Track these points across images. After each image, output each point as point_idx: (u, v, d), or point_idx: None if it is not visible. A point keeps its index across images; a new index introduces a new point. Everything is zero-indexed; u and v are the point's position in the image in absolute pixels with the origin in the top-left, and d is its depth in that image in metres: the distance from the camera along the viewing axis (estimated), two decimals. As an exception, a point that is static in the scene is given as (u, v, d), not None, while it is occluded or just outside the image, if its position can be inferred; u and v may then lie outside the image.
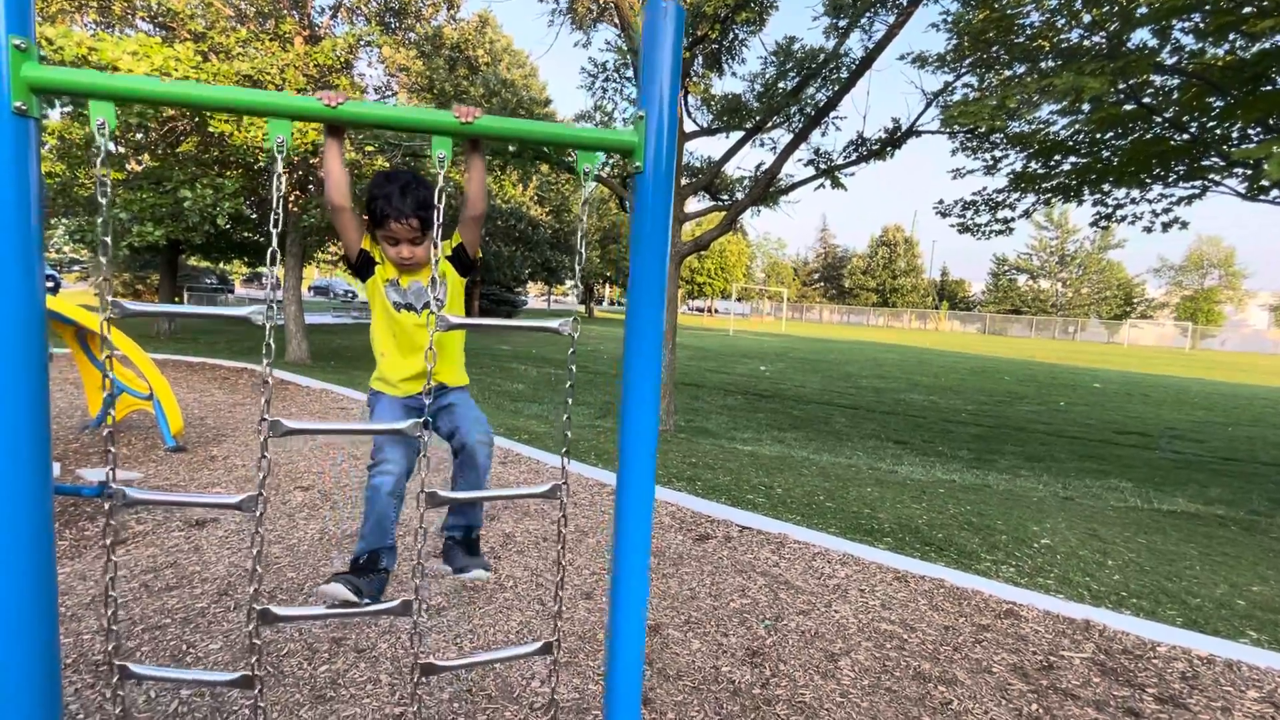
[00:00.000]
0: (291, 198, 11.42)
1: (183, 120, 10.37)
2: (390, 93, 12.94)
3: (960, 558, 3.93)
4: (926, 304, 62.62)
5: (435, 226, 1.41)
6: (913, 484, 5.86)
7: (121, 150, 11.07)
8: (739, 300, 57.90)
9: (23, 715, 1.31)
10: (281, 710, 2.24)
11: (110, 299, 1.28)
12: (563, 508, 1.54)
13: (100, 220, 1.24)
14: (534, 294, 53.86)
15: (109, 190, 1.25)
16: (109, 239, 1.26)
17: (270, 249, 1.36)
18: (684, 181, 7.71)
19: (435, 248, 1.40)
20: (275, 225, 1.35)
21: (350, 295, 42.19)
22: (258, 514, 1.37)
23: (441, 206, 1.40)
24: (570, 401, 1.53)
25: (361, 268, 1.89)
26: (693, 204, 8.72)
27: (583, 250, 1.54)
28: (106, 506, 1.32)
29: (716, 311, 60.46)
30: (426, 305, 1.87)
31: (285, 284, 12.07)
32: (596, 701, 2.37)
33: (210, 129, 9.22)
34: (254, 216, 13.97)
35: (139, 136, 10.58)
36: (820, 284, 68.61)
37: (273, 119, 1.30)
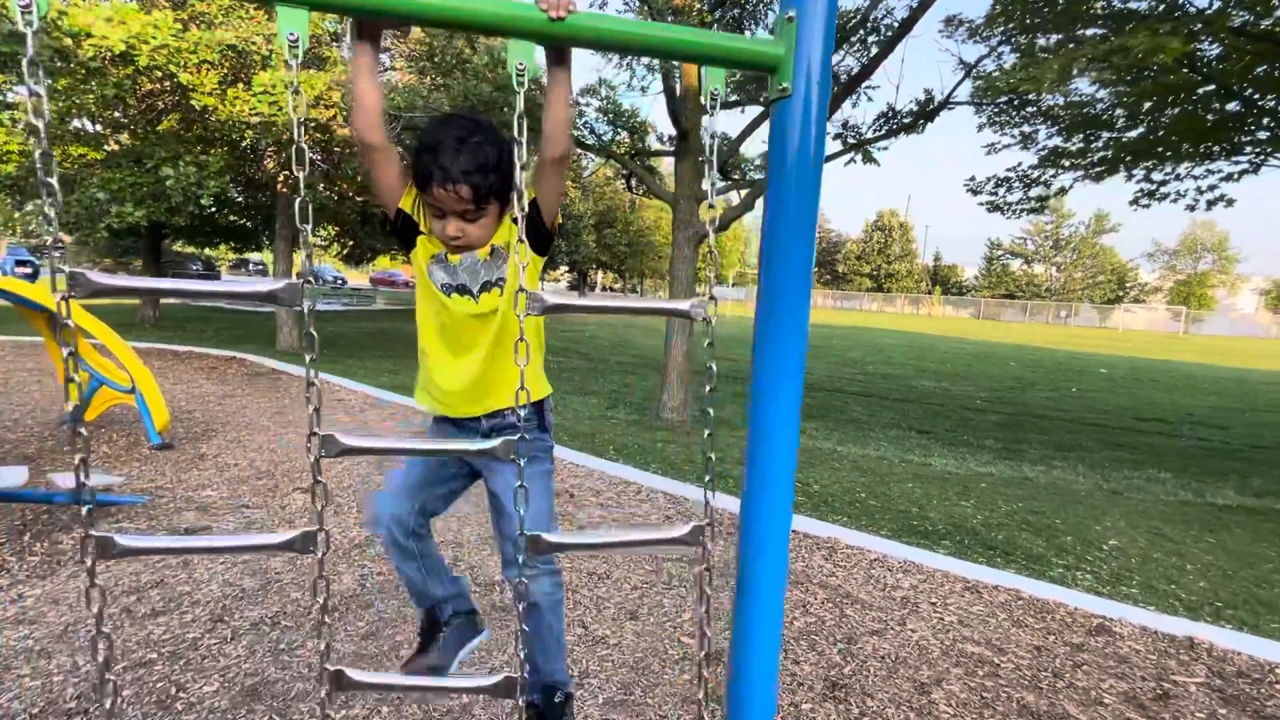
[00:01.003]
0: (281, 177, 10.88)
1: (164, 96, 9.81)
2: (384, 68, 12.36)
3: (1029, 563, 3.60)
4: (920, 289, 62.48)
5: (516, 176, 1.01)
6: (952, 478, 5.53)
7: (99, 129, 10.49)
8: (734, 285, 57.51)
9: None
10: (292, 772, 1.86)
11: (68, 270, 0.88)
12: (707, 555, 1.14)
13: (39, 153, 0.84)
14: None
15: (44, 99, 0.84)
16: (54, 180, 0.85)
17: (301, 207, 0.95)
18: (699, 159, 7.28)
19: (519, 197, 1.01)
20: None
21: (340, 281, 41.39)
22: (319, 557, 0.98)
23: (523, 146, 1.00)
24: (711, 412, 1.13)
25: (404, 233, 1.40)
26: (705, 184, 8.29)
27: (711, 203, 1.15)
28: (89, 563, 0.93)
29: (712, 298, 59.99)
30: (488, 285, 1.37)
31: (275, 270, 11.58)
32: (663, 751, 2.02)
33: (193, 103, 8.67)
34: (240, 199, 13.41)
35: (116, 114, 10.01)
36: (815, 269, 68.35)
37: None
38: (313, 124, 8.99)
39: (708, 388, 1.11)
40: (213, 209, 13.28)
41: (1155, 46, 3.68)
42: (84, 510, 0.99)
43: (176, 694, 2.17)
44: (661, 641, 2.61)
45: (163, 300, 18.59)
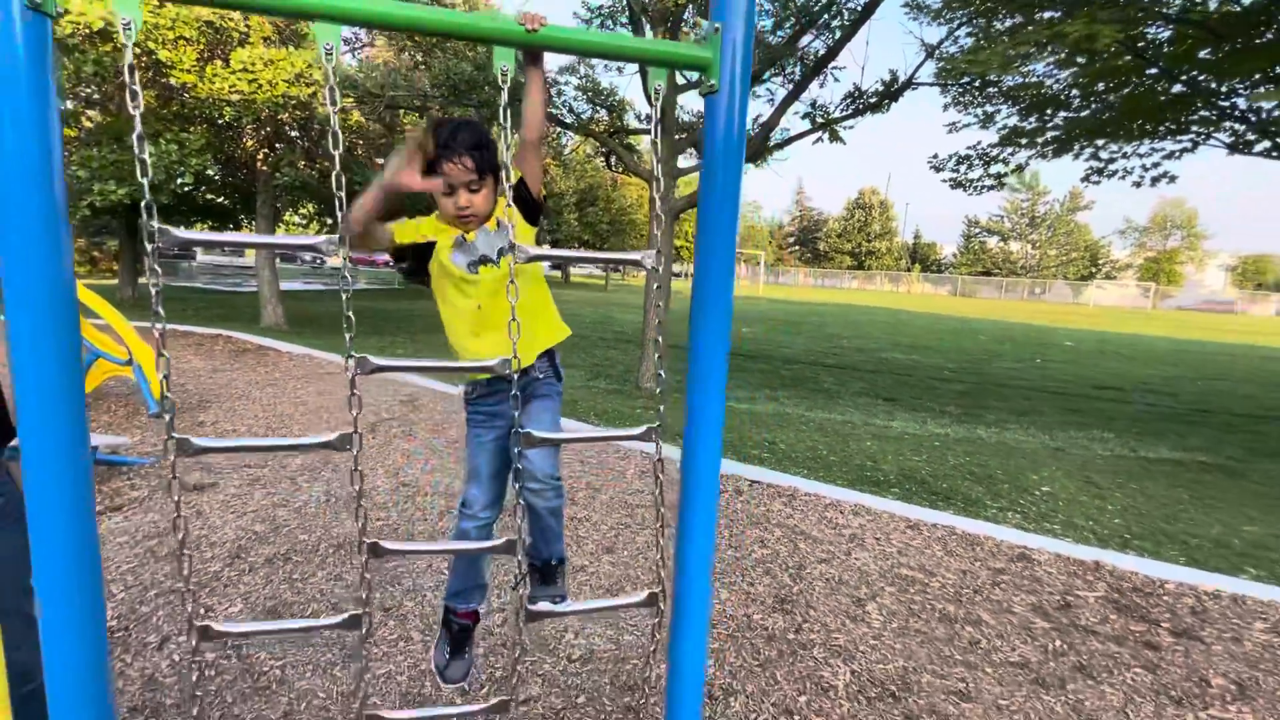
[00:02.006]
0: (260, 155, 10.91)
1: (140, 72, 9.76)
2: (361, 44, 12.34)
3: (967, 506, 3.99)
4: (900, 267, 63.21)
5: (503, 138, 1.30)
6: (909, 438, 5.94)
7: (71, 106, 10.41)
8: (716, 264, 57.54)
9: (74, 680, 1.24)
10: (314, 669, 2.18)
11: (156, 225, 1.15)
12: (658, 450, 1.45)
13: (135, 135, 1.11)
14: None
15: (139, 98, 1.11)
16: (146, 156, 1.13)
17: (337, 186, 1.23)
18: (676, 137, 7.51)
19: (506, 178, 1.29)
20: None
21: (320, 261, 40.97)
22: (355, 452, 1.28)
23: (507, 133, 1.28)
24: (661, 339, 1.43)
25: (416, 258, 1.68)
26: (682, 161, 8.52)
27: (659, 181, 1.43)
28: (171, 458, 1.21)
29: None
30: (504, 251, 1.63)
31: (255, 250, 11.63)
32: (633, 651, 2.36)
33: (171, 80, 8.68)
34: (218, 178, 13.36)
35: (89, 90, 9.95)
36: (796, 247, 68.69)
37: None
38: (293, 101, 9.05)
39: (657, 321, 1.41)
40: (190, 187, 13.24)
41: (1090, 33, 4.00)
42: (166, 417, 1.28)
43: (206, 614, 2.46)
44: (634, 570, 2.95)
45: (140, 280, 18.47)
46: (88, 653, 1.21)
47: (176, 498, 1.26)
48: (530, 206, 1.64)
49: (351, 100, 8.47)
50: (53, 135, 1.09)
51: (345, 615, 1.39)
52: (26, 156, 1.06)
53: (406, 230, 1.67)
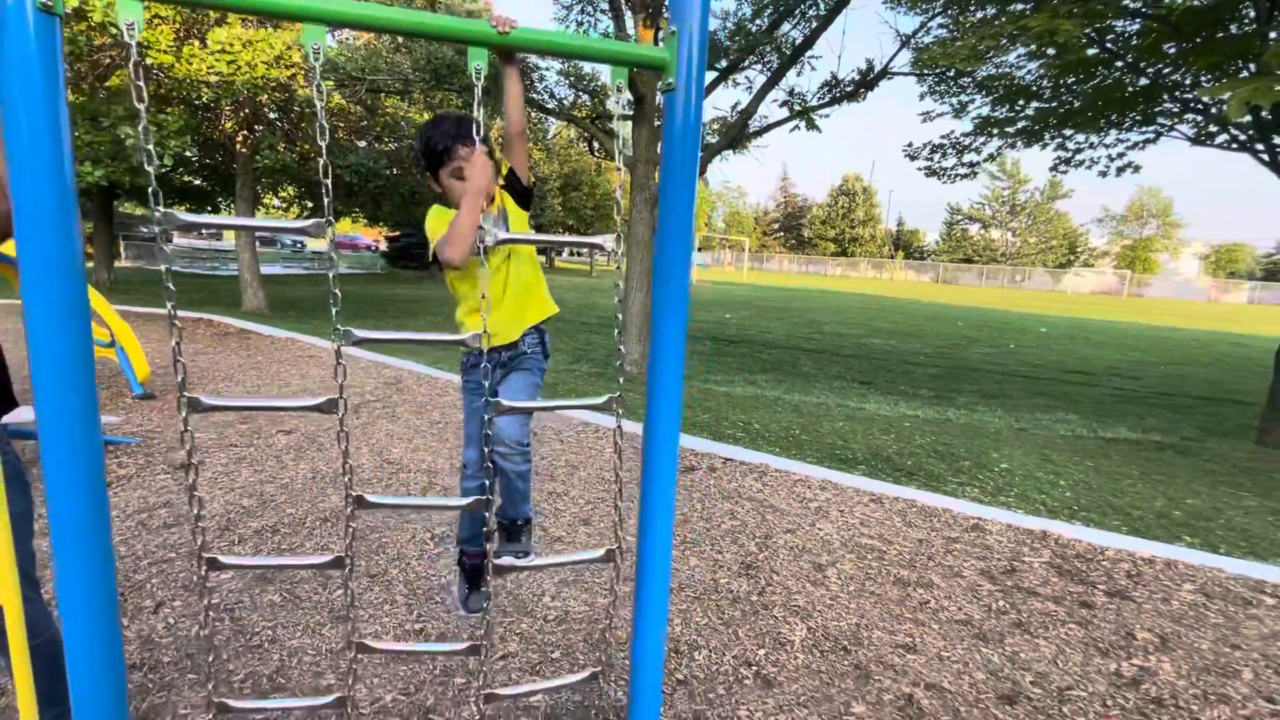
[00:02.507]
0: (239, 138, 10.81)
1: (113, 51, 9.62)
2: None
3: (929, 481, 4.19)
4: (883, 254, 63.72)
5: (479, 123, 1.42)
6: (880, 419, 6.14)
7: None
8: (700, 250, 57.81)
9: (88, 627, 1.36)
10: (304, 630, 2.31)
11: (160, 210, 1.26)
12: (618, 418, 1.60)
13: (140, 128, 1.21)
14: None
15: (145, 96, 1.21)
16: (150, 146, 1.24)
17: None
18: (655, 124, 7.59)
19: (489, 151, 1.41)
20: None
21: (299, 245, 40.45)
22: (339, 415, 1.41)
23: (483, 119, 1.40)
24: (619, 332, 1.57)
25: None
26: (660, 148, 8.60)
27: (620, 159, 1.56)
28: (183, 414, 1.34)
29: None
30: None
31: (238, 231, 11.56)
32: (602, 612, 2.51)
33: (148, 60, 8.57)
34: (196, 160, 13.19)
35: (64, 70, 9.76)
36: (780, 234, 68.90)
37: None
38: (272, 84, 8.99)
39: (616, 298, 1.55)
40: (168, 169, 13.06)
41: (1051, 28, 4.15)
42: (178, 378, 1.40)
43: (197, 583, 2.58)
44: (609, 540, 3.11)
45: (116, 263, 18.20)
46: (103, 603, 1.34)
47: (188, 447, 1.39)
48: (522, 193, 1.83)
49: (332, 84, 8.44)
50: (62, 127, 1.20)
51: (331, 556, 1.53)
52: (39, 146, 1.17)
53: (435, 217, 1.83)
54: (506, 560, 1.86)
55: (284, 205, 19.60)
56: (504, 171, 1.83)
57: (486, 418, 1.60)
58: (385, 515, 3.18)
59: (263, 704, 1.64)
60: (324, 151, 1.39)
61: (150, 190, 1.29)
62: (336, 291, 1.50)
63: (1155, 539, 3.48)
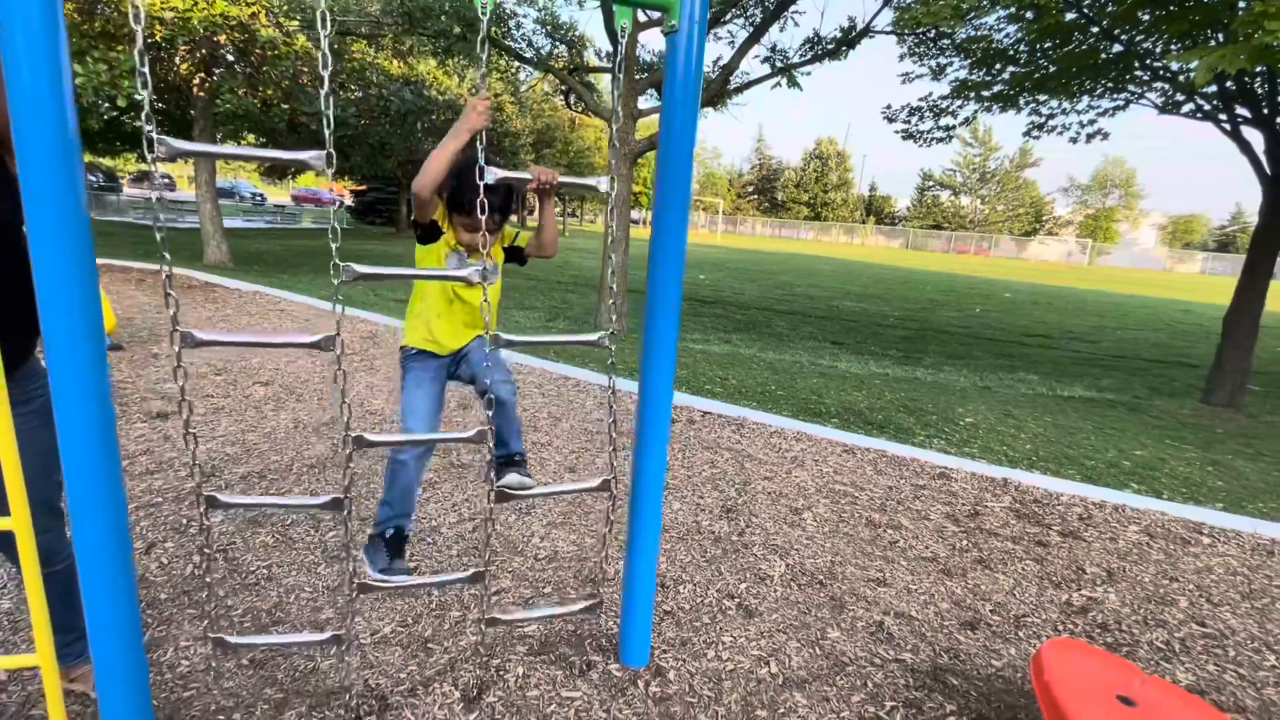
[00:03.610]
0: (196, 80, 10.27)
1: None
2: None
3: (898, 433, 4.37)
4: (855, 218, 64.06)
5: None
6: (852, 376, 6.32)
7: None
8: (674, 211, 57.08)
9: (101, 550, 1.39)
10: (299, 568, 2.36)
11: (155, 134, 1.25)
12: (612, 354, 1.66)
13: (136, 50, 1.19)
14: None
15: (141, 17, 1.19)
16: (146, 69, 1.21)
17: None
18: (636, 77, 7.46)
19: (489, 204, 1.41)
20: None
21: (260, 198, 38.94)
22: (337, 353, 1.43)
23: (486, 57, 1.40)
24: (611, 271, 1.61)
25: (427, 232, 1.97)
26: (642, 103, 8.47)
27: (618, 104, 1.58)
28: (176, 348, 1.34)
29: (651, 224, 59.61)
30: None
31: (198, 180, 11.10)
32: (590, 552, 2.61)
33: (95, -8, 8.04)
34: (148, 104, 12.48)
35: None
36: (754, 196, 68.61)
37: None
38: (233, 22, 8.54)
39: (610, 239, 1.58)
40: (118, 113, 12.37)
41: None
42: (171, 314, 1.40)
43: (187, 525, 2.60)
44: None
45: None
46: (117, 514, 1.37)
47: (181, 383, 1.40)
48: (518, 255, 2.12)
49: (298, 24, 8.05)
50: (64, 77, 1.17)
51: (329, 497, 1.57)
52: (40, 93, 1.15)
53: (440, 214, 2.00)
54: (515, 478, 1.94)
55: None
56: (511, 240, 2.10)
57: (488, 350, 1.73)
58: (372, 463, 3.21)
59: (259, 640, 1.70)
60: (325, 81, 1.38)
61: (144, 114, 1.27)
62: (336, 225, 1.51)
63: (1106, 486, 3.71)
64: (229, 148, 1.36)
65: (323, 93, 1.37)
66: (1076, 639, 2.21)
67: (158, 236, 1.36)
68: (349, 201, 28.80)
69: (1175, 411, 6.06)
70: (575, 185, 1.72)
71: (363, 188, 27.79)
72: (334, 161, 1.40)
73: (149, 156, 1.27)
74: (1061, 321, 13.97)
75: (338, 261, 1.44)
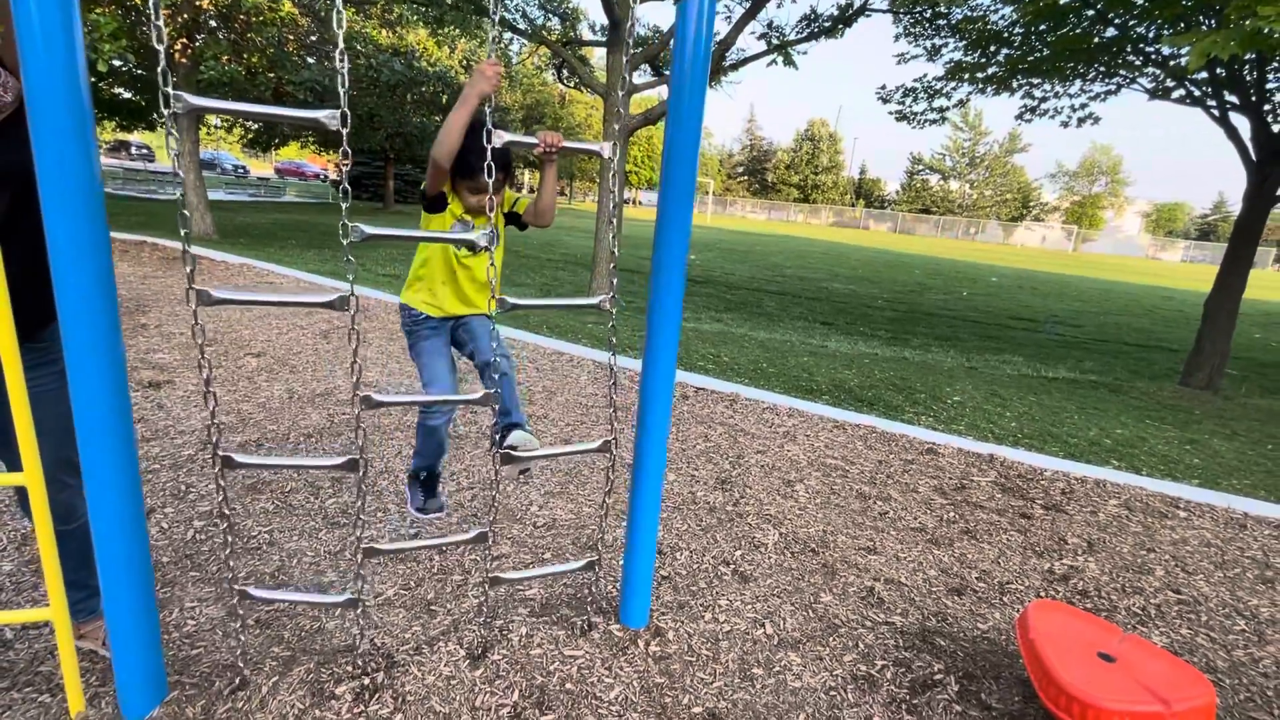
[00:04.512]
0: (178, 47, 10.01)
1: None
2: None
3: (887, 410, 4.44)
4: (845, 201, 64.04)
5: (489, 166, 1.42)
6: (841, 355, 6.39)
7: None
8: (664, 191, 56.70)
9: (113, 500, 1.41)
10: (300, 534, 2.38)
11: (172, 90, 1.24)
12: (612, 318, 1.68)
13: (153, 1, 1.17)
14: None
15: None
16: (160, 22, 1.20)
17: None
18: (631, 51, 7.38)
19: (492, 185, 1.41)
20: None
21: (243, 170, 38.15)
22: (351, 312, 1.45)
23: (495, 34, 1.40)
24: (614, 236, 1.64)
25: (435, 202, 2.01)
26: (636, 78, 8.39)
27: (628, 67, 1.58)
28: (193, 306, 1.35)
29: (641, 203, 59.35)
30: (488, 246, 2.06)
31: (182, 151, 10.86)
32: (588, 520, 2.65)
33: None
34: (127, 70, 12.17)
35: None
36: (745, 177, 68.29)
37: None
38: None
39: (611, 204, 1.61)
40: (95, 79, 12.02)
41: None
42: (187, 269, 1.40)
43: (186, 491, 2.61)
44: (589, 458, 3.24)
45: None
46: (130, 469, 1.38)
47: (200, 340, 1.41)
48: (517, 220, 2.16)
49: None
50: (77, 47, 1.16)
51: (345, 458, 1.60)
52: (55, 62, 1.14)
53: (448, 182, 2.04)
54: (520, 435, 1.96)
55: (226, 124, 18.41)
56: (512, 204, 2.12)
57: (493, 328, 1.96)
58: (371, 431, 3.22)
59: (281, 595, 1.72)
60: (340, 37, 1.37)
61: (160, 70, 1.26)
62: (346, 186, 1.51)
63: (1088, 462, 3.81)
64: (243, 104, 1.35)
65: (338, 49, 1.36)
66: (1060, 601, 2.30)
67: (177, 194, 1.35)
68: (334, 176, 28.29)
69: (1155, 393, 6.20)
70: (578, 149, 1.73)
71: (348, 162, 27.27)
72: (348, 121, 1.40)
73: (165, 111, 1.26)
74: (1046, 305, 14.16)
75: (346, 221, 1.45)
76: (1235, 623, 2.32)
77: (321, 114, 1.40)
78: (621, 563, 2.18)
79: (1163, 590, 2.50)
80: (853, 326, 8.99)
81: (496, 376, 1.96)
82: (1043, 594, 2.41)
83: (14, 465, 1.47)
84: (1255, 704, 1.90)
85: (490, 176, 1.62)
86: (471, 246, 2.06)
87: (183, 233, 1.38)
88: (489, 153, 1.61)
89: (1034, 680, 1.68)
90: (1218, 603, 2.44)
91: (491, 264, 1.73)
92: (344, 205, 1.47)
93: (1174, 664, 1.68)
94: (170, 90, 1.25)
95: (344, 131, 1.41)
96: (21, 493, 1.52)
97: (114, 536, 1.43)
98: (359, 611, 1.72)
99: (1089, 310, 14.04)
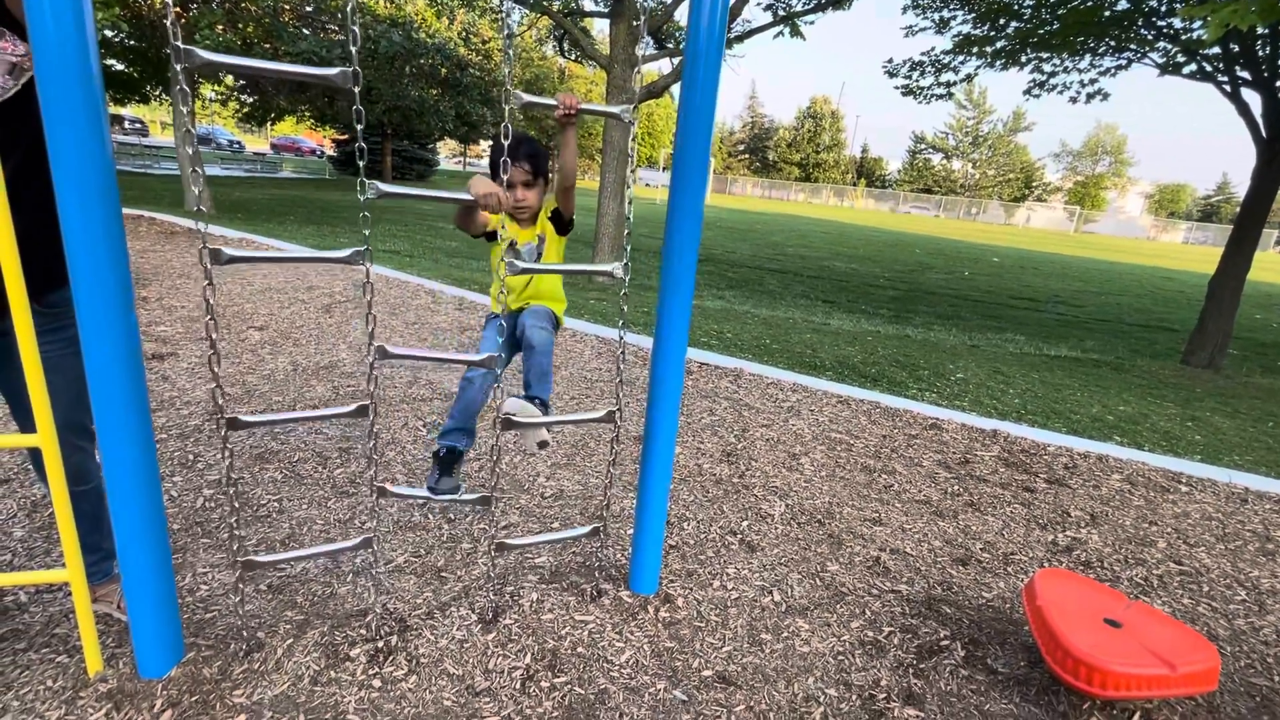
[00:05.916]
0: (171, 15, 9.82)
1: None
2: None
3: (891, 387, 4.45)
4: (846, 181, 63.50)
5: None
6: (845, 333, 6.38)
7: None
8: (665, 170, 56.44)
9: (128, 460, 1.41)
10: (309, 503, 2.39)
11: (181, 45, 1.21)
12: (623, 284, 1.67)
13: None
14: (445, 153, 49.69)
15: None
16: (167, -28, 1.17)
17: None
18: (634, 22, 7.24)
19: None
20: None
21: (238, 146, 37.72)
22: (366, 267, 1.44)
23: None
24: (629, 202, 1.61)
25: (490, 236, 2.09)
26: (637, 50, 8.24)
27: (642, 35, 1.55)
28: (206, 265, 1.34)
29: (641, 181, 58.83)
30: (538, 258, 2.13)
31: (175, 123, 10.73)
32: (594, 491, 2.66)
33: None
34: (119, 41, 11.95)
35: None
36: (746, 155, 67.60)
37: None
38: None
39: (629, 184, 1.59)
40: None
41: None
42: (201, 228, 1.39)
43: (194, 460, 2.61)
44: (595, 429, 3.24)
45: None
46: (144, 430, 1.38)
47: (210, 300, 1.40)
48: (563, 224, 2.15)
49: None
50: (88, 27, 1.13)
51: (354, 405, 1.59)
52: (66, 41, 1.11)
53: (494, 220, 2.06)
54: (516, 405, 1.93)
55: (221, 97, 18.15)
56: (550, 208, 2.12)
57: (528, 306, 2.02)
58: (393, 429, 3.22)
59: (287, 555, 1.73)
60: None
61: (169, 21, 1.23)
62: (362, 145, 1.48)
63: (1090, 438, 3.83)
64: (255, 60, 1.33)
65: (349, 4, 1.33)
66: (1066, 569, 2.32)
67: (188, 152, 1.33)
68: (331, 152, 27.98)
69: (1157, 372, 6.21)
70: (596, 112, 1.70)
71: (345, 137, 26.98)
72: (360, 79, 1.37)
73: (176, 68, 1.24)
74: (1047, 285, 14.13)
75: (364, 179, 1.43)
76: (1236, 593, 2.34)
77: (333, 72, 1.38)
78: (630, 532, 2.19)
79: (1165, 562, 2.53)
80: (855, 304, 8.97)
81: (524, 346, 2.05)
82: (1046, 564, 2.43)
83: (28, 429, 1.47)
84: (1255, 670, 1.93)
85: (505, 174, 1.65)
86: (513, 268, 2.07)
87: (197, 193, 1.35)
88: (515, 149, 1.72)
89: (1040, 645, 1.70)
90: (1219, 574, 2.47)
91: (504, 260, 1.72)
92: (361, 163, 1.45)
93: (1179, 629, 1.70)
94: (180, 44, 1.22)
95: (355, 90, 1.39)
96: (35, 455, 1.52)
97: (130, 494, 1.43)
98: (374, 552, 1.72)
99: (1090, 290, 14.01)
